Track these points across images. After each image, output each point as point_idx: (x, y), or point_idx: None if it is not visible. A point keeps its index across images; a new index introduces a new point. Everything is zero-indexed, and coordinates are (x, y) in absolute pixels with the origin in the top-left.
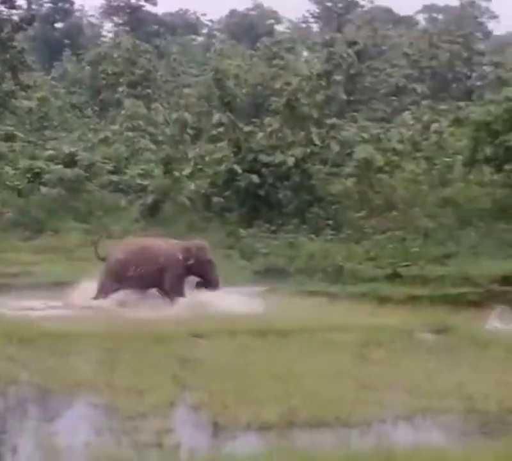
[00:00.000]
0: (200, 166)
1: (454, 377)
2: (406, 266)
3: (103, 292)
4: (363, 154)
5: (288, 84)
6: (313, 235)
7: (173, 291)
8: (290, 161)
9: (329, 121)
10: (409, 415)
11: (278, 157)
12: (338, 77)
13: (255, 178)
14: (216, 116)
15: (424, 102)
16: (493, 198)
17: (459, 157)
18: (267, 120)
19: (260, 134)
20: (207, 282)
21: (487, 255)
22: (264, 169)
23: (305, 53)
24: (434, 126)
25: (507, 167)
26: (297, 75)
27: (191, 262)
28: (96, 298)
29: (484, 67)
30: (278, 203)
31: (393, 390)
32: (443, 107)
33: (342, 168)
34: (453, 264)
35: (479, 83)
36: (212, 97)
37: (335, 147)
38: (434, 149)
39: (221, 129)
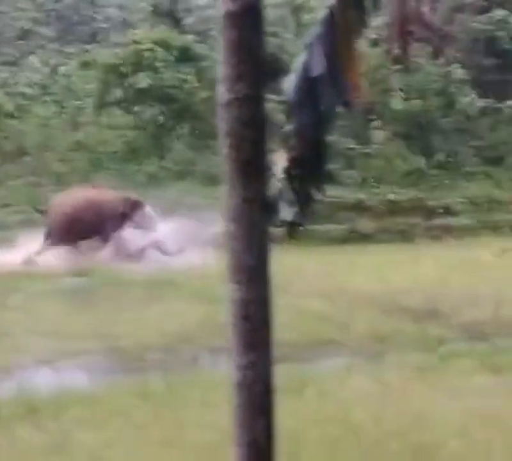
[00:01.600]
0: None
1: (95, 318)
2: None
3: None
4: None
5: None
6: None
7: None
8: None
9: None
10: (51, 359)
11: None
12: None
13: None
14: None
15: (51, 45)
16: (124, 141)
17: (89, 100)
18: None
19: None
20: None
21: None
22: None
23: None
24: (62, 69)
25: (136, 109)
26: None
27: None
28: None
29: (109, 9)
30: None
31: (33, 335)
32: (70, 50)
33: None
34: None
35: (104, 25)
36: None
37: None
38: (64, 92)
39: None
